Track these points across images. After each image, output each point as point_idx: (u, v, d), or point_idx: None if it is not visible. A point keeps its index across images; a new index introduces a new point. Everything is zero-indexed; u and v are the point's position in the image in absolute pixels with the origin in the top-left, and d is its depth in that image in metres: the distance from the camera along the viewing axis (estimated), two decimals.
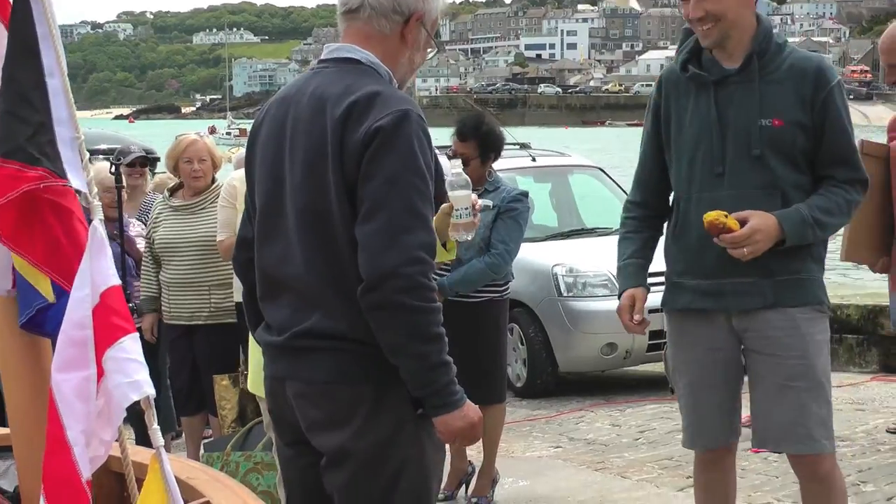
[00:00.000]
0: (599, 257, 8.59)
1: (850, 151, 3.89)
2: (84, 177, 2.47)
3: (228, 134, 63.97)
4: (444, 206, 3.53)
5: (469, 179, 3.74)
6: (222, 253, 6.34)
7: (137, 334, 2.40)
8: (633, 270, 4.08)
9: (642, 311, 4.00)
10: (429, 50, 3.12)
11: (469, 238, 3.70)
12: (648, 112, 4.07)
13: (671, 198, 4.03)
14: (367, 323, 2.85)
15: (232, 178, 6.41)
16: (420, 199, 2.81)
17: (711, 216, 3.72)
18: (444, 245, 3.66)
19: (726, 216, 3.72)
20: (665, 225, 4.10)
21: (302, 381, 2.97)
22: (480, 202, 3.72)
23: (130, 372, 2.34)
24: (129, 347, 2.36)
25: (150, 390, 2.35)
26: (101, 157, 8.80)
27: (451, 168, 3.72)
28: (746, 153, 3.82)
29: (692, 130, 3.89)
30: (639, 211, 4.13)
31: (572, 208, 10.39)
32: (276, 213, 2.99)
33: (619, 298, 4.07)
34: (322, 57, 3.09)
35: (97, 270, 2.41)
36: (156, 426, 2.37)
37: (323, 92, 2.93)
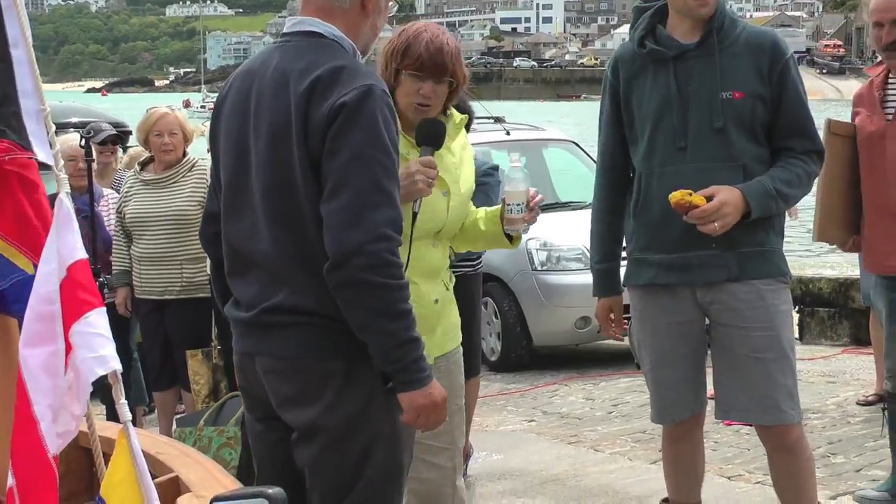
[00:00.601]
0: (573, 231, 8.59)
1: (807, 123, 3.94)
2: (50, 150, 2.45)
3: (203, 107, 63.61)
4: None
5: (527, 174, 3.69)
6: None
7: (104, 308, 2.38)
8: (606, 277, 4.15)
9: (620, 319, 4.13)
10: (390, 5, 3.08)
11: (523, 232, 3.68)
12: (605, 93, 4.08)
13: (636, 173, 4.03)
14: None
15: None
16: (385, 175, 2.79)
17: (676, 196, 3.73)
18: (509, 238, 3.68)
19: (690, 194, 3.73)
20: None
21: (272, 356, 2.95)
22: (539, 197, 3.65)
23: (96, 346, 2.33)
24: (96, 322, 2.35)
25: (117, 365, 2.34)
26: (71, 130, 8.73)
27: (511, 162, 3.67)
28: (708, 126, 3.84)
29: (653, 106, 3.90)
30: (609, 198, 4.14)
31: (547, 182, 10.37)
32: (242, 189, 2.97)
33: (595, 296, 4.17)
34: (285, 30, 3.05)
35: (64, 244, 2.39)
36: (123, 401, 2.35)
37: (286, 67, 2.90)
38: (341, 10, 2.98)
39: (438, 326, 3.75)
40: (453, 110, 3.82)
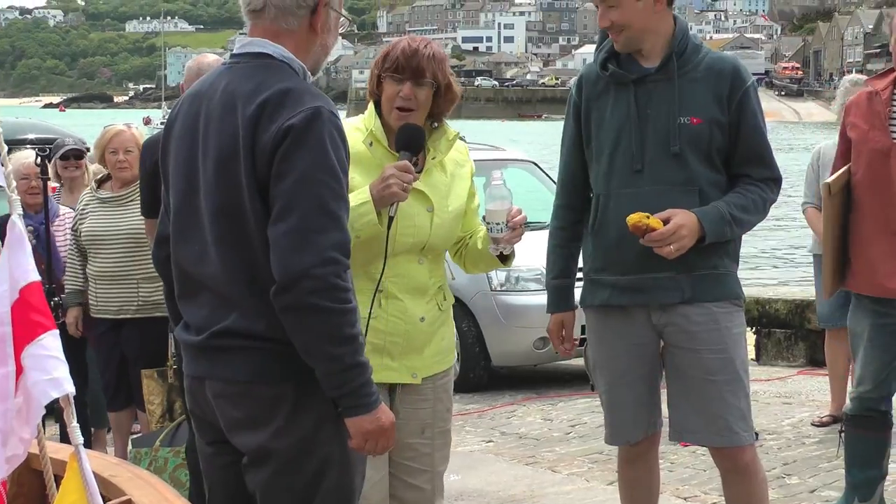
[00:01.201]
0: (533, 252, 8.52)
1: (764, 151, 3.97)
2: (1, 169, 2.43)
3: (163, 124, 63.32)
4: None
5: (509, 191, 3.67)
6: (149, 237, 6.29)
7: (57, 331, 2.36)
8: (560, 294, 4.17)
9: (571, 336, 4.14)
10: (341, 22, 3.06)
11: (506, 252, 3.69)
12: (569, 113, 4.10)
13: (593, 194, 4.05)
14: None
15: None
16: (332, 198, 2.77)
17: (634, 219, 3.74)
18: (502, 260, 3.74)
19: (648, 217, 3.75)
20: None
21: (222, 380, 2.93)
22: (521, 216, 3.64)
23: (50, 369, 2.31)
24: (49, 344, 2.33)
25: (70, 388, 2.32)
26: (28, 146, 8.65)
27: (493, 179, 3.67)
28: (665, 150, 3.87)
29: (612, 127, 3.93)
30: (568, 218, 4.15)
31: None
32: (191, 212, 2.95)
33: (548, 312, 4.17)
34: (234, 51, 3.03)
35: (16, 266, 2.38)
36: (75, 424, 2.33)
37: (235, 89, 2.88)
38: (290, 31, 2.94)
39: (427, 346, 3.76)
40: (447, 124, 3.83)
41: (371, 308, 3.61)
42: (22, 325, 2.35)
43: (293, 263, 2.73)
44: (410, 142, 3.63)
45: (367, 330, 3.60)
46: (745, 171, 3.94)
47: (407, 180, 3.50)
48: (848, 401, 5.00)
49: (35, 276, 2.35)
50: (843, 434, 4.99)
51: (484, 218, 3.68)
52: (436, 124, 3.82)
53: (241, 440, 2.95)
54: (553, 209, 4.22)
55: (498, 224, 3.59)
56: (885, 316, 4.70)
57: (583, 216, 4.12)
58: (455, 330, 4.02)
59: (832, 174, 4.85)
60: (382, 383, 3.59)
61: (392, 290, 3.70)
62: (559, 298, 4.17)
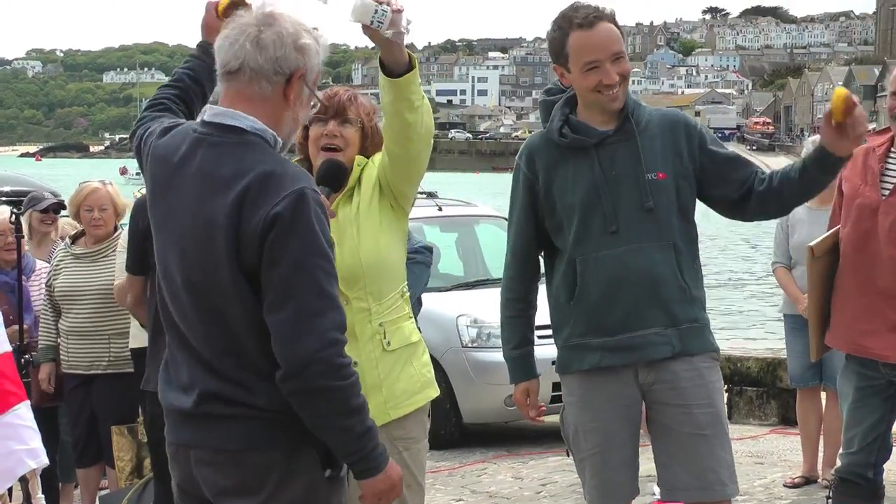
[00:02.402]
0: None
1: (744, 163, 4.05)
2: None
3: (138, 174, 63.08)
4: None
5: None
6: (116, 295, 6.29)
7: (29, 402, 2.36)
8: (522, 363, 4.17)
9: (537, 403, 4.15)
10: (312, 102, 3.05)
11: (403, 30, 3.42)
12: (518, 185, 4.09)
13: (563, 261, 4.01)
14: (273, 389, 2.84)
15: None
16: (326, 280, 2.81)
17: (842, 93, 3.76)
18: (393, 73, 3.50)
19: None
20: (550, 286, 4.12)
21: (210, 449, 2.92)
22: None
23: (27, 439, 2.32)
24: (24, 415, 2.34)
25: (45, 460, 2.33)
26: (3, 200, 8.64)
27: None
28: (639, 207, 3.90)
29: (579, 193, 3.93)
30: (521, 290, 4.16)
31: (478, 258, 10.43)
32: (170, 278, 2.97)
33: (512, 382, 4.16)
34: (206, 118, 2.99)
35: None
36: (40, 495, 2.33)
37: (212, 171, 2.87)
38: (263, 97, 2.93)
39: (377, 392, 3.65)
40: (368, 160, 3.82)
41: None
42: None
43: (297, 350, 2.77)
44: (329, 177, 3.62)
45: None
46: (748, 181, 3.98)
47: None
48: (837, 460, 4.97)
49: (7, 347, 2.37)
50: (830, 500, 4.91)
51: (362, 22, 3.40)
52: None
53: None
54: (504, 279, 4.21)
55: (376, 13, 3.35)
56: (869, 378, 4.70)
57: (534, 284, 4.15)
58: (423, 374, 3.91)
59: (828, 228, 4.86)
60: None
61: None
62: (522, 367, 4.18)
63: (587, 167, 3.94)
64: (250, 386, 2.86)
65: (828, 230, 4.89)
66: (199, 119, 3.07)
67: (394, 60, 3.55)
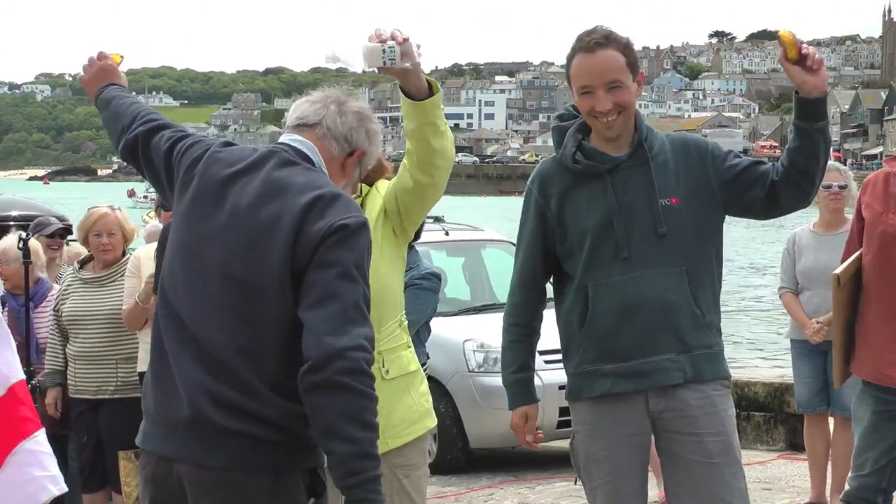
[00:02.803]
0: None
1: (759, 162, 4.00)
2: None
3: (146, 198, 63.43)
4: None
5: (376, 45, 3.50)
6: (125, 322, 6.33)
7: (44, 429, 2.37)
8: (522, 388, 4.15)
9: (534, 429, 4.13)
10: (356, 174, 3.23)
11: (416, 57, 3.50)
12: (529, 212, 4.08)
13: (574, 286, 4.00)
14: (278, 399, 2.86)
15: (140, 250, 6.39)
16: (365, 299, 2.91)
17: (787, 35, 3.76)
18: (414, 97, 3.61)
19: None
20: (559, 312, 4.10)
21: (194, 464, 2.91)
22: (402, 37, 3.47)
23: (47, 465, 2.34)
24: (43, 441, 2.36)
25: (65, 486, 2.34)
26: (12, 225, 8.68)
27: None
28: (652, 233, 3.89)
29: (593, 219, 3.92)
30: (525, 316, 4.14)
31: (485, 282, 10.44)
32: (199, 272, 2.99)
33: (511, 408, 4.14)
34: (284, 140, 3.14)
35: (3, 363, 2.40)
36: None
37: (285, 176, 3.01)
38: (329, 156, 3.12)
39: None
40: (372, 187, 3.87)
41: None
42: (9, 420, 2.37)
43: (330, 344, 2.81)
44: None
45: None
46: (769, 174, 3.93)
47: None
48: (846, 484, 4.95)
49: (21, 375, 2.38)
50: None
51: (375, 66, 3.51)
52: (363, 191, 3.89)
53: None
54: (508, 305, 4.20)
55: (384, 52, 3.43)
56: (888, 403, 4.70)
57: (539, 313, 4.14)
58: (420, 404, 3.96)
59: (844, 257, 4.84)
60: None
61: None
62: (521, 392, 4.16)
63: (600, 193, 3.93)
64: (256, 391, 2.88)
65: (844, 254, 4.89)
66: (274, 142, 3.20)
67: (414, 88, 3.64)
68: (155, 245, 6.26)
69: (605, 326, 3.92)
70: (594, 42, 3.87)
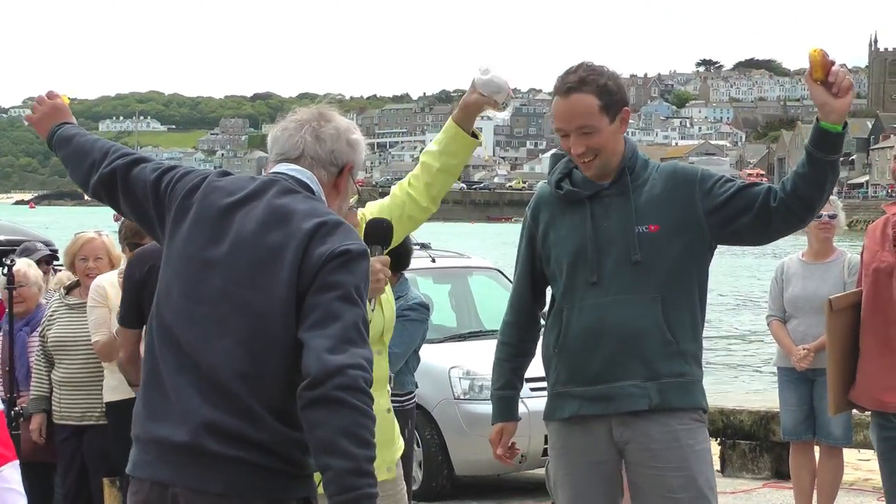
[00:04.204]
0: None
1: (748, 185, 3.95)
2: None
3: None
4: None
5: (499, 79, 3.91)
6: (100, 354, 6.27)
7: (17, 462, 2.34)
8: (504, 405, 4.23)
9: (507, 444, 4.18)
10: (352, 190, 3.26)
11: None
12: (523, 235, 4.18)
13: (555, 309, 4.07)
14: (277, 424, 2.87)
15: (101, 279, 6.32)
16: (364, 322, 2.94)
17: (817, 52, 3.69)
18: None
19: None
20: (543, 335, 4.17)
21: (189, 489, 2.90)
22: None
23: (10, 502, 2.29)
24: (10, 476, 2.31)
25: None
26: None
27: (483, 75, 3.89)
28: (625, 260, 3.92)
29: (570, 243, 3.99)
30: (514, 335, 4.23)
31: (471, 310, 10.43)
32: (201, 298, 3.00)
33: (493, 423, 4.21)
34: (281, 169, 3.14)
35: None
36: None
37: (287, 203, 3.03)
38: (321, 182, 3.14)
39: (396, 437, 3.88)
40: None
41: None
42: None
43: (330, 360, 2.83)
44: (381, 235, 3.72)
45: None
46: (755, 199, 3.89)
47: (388, 274, 3.69)
48: None
49: None
50: None
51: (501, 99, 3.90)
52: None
53: None
54: (502, 323, 4.30)
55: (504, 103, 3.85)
56: (887, 429, 4.77)
57: (529, 334, 4.22)
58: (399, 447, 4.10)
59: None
60: None
61: None
62: (503, 409, 4.23)
63: (579, 218, 3.99)
64: (256, 417, 2.88)
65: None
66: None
67: (466, 126, 3.99)
68: (116, 274, 6.20)
69: (575, 349, 3.97)
70: (568, 86, 3.91)
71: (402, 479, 4.02)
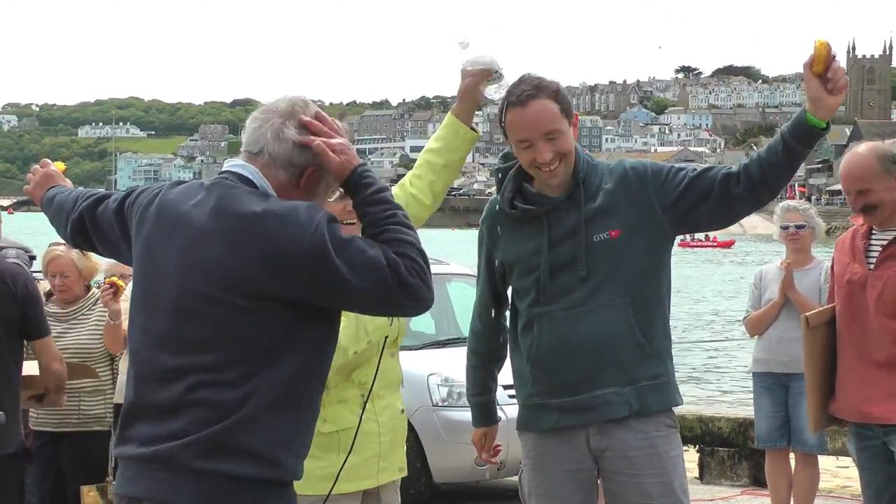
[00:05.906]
0: None
1: (703, 171, 3.96)
2: None
3: None
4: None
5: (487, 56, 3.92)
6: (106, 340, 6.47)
7: None
8: (484, 409, 4.29)
9: (491, 448, 4.26)
10: (332, 191, 3.21)
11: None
12: (480, 251, 4.17)
13: (523, 320, 4.03)
14: (256, 432, 2.85)
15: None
16: (366, 243, 2.92)
17: (824, 45, 3.67)
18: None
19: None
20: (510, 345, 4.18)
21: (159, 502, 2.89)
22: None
23: None
24: None
25: None
26: None
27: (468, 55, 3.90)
28: (590, 269, 3.90)
29: (532, 258, 3.96)
30: (480, 345, 4.25)
31: (450, 316, 10.43)
32: (159, 309, 2.97)
33: (474, 427, 4.28)
34: (225, 167, 3.09)
35: None
36: None
37: (227, 208, 2.94)
38: (278, 182, 3.04)
39: (405, 438, 4.02)
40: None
41: (362, 414, 3.86)
42: None
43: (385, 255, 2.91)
44: None
45: (355, 437, 3.84)
46: (711, 184, 3.89)
47: None
48: None
49: None
50: None
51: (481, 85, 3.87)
52: None
53: None
54: (470, 332, 4.31)
55: (496, 73, 3.80)
56: (866, 438, 4.78)
57: (495, 343, 4.23)
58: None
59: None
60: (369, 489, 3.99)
61: (376, 389, 3.89)
62: (483, 413, 4.29)
63: (538, 232, 3.95)
64: (231, 423, 2.84)
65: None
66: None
67: (466, 118, 3.99)
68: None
69: (551, 361, 3.95)
70: (525, 94, 3.84)
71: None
